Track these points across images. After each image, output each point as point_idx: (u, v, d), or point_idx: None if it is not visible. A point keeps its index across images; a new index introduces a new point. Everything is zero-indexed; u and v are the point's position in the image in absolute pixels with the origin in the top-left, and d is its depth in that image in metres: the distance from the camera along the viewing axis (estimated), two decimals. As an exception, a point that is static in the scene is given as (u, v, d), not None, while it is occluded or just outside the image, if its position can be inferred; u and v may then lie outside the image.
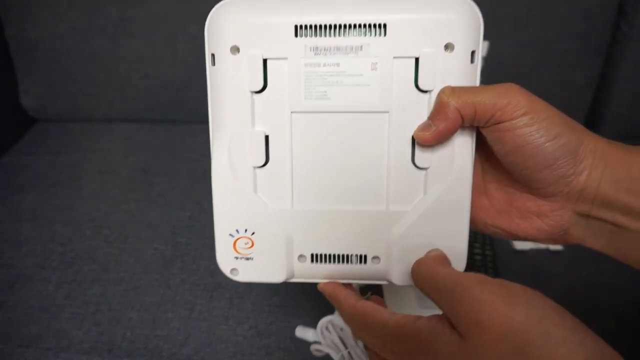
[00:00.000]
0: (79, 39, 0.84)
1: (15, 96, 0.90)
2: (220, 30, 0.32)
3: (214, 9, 0.32)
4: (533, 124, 0.28)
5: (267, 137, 0.33)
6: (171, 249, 0.66)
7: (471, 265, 0.59)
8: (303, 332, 0.54)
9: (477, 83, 0.31)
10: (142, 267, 0.64)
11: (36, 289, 0.62)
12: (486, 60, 0.74)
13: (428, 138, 0.30)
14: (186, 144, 0.84)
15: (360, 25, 0.30)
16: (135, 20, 0.81)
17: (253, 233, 0.34)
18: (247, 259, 0.34)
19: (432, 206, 0.32)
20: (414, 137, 0.31)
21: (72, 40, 0.84)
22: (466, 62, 0.30)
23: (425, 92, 0.31)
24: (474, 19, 0.30)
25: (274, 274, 0.34)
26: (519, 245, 0.63)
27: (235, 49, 0.31)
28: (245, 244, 0.34)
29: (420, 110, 0.31)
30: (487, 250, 0.61)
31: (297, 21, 0.30)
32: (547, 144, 0.28)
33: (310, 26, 0.30)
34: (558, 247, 0.62)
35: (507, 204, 0.33)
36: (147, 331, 0.57)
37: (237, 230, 0.34)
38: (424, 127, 0.31)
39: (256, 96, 0.32)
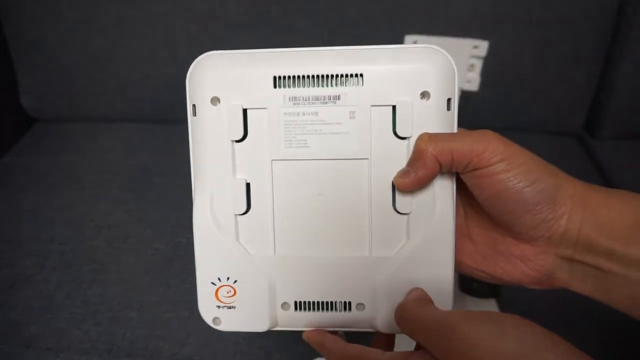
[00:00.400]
0: (79, 39, 0.84)
1: (15, 96, 0.90)
2: (201, 81, 0.32)
3: (195, 61, 0.32)
4: (510, 170, 0.29)
5: (248, 185, 0.33)
6: (171, 249, 0.66)
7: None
8: None
9: (455, 129, 0.32)
10: (142, 267, 0.64)
11: (36, 289, 0.62)
12: (486, 60, 0.74)
13: (407, 184, 0.31)
14: (186, 144, 0.84)
15: (337, 76, 0.31)
16: (135, 20, 0.81)
17: (235, 281, 0.33)
18: (230, 307, 0.34)
19: (415, 251, 0.32)
20: (394, 183, 0.32)
21: (72, 40, 0.84)
22: (442, 109, 0.31)
23: (404, 138, 0.31)
24: (448, 68, 0.31)
25: (257, 323, 0.34)
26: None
27: (215, 100, 0.32)
28: (228, 292, 0.33)
29: (399, 156, 0.31)
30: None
31: (276, 72, 0.31)
32: (525, 190, 0.29)
33: (289, 77, 0.31)
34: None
35: (491, 249, 0.33)
36: (147, 331, 0.57)
37: (219, 279, 0.33)
38: (403, 174, 0.31)
39: (237, 145, 0.32)
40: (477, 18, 0.75)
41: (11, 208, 0.75)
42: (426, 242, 0.32)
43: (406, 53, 0.31)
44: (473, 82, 0.74)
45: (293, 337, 0.55)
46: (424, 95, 0.31)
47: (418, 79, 0.31)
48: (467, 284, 0.57)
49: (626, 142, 0.84)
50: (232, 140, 0.32)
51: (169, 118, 0.90)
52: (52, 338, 0.56)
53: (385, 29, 0.78)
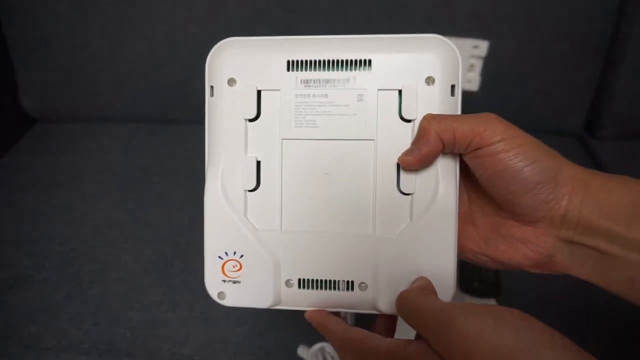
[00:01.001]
0: (79, 39, 0.84)
1: (15, 96, 0.90)
2: (219, 64, 0.34)
3: (215, 47, 0.34)
4: (511, 149, 0.29)
5: (258, 163, 0.34)
6: (171, 249, 0.66)
7: (471, 266, 0.59)
8: (303, 352, 0.54)
9: (458, 114, 0.33)
10: (142, 267, 0.64)
11: (36, 289, 0.62)
12: (486, 60, 0.74)
13: (411, 162, 0.32)
14: (186, 144, 0.84)
15: (347, 61, 0.33)
16: (135, 20, 0.81)
17: (242, 256, 0.34)
18: (235, 282, 0.34)
19: (418, 232, 0.33)
20: (398, 161, 0.32)
21: (72, 40, 0.84)
22: (446, 94, 0.32)
23: (409, 121, 0.33)
24: (452, 56, 0.32)
25: (260, 299, 0.34)
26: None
27: (232, 81, 0.34)
28: (234, 267, 0.34)
29: (404, 138, 0.33)
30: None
31: (289, 57, 0.33)
32: (525, 169, 0.29)
33: (302, 61, 0.33)
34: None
35: (493, 232, 0.34)
36: (147, 331, 0.57)
37: (226, 253, 0.34)
38: (407, 152, 0.32)
39: (250, 124, 0.34)
40: (477, 18, 0.75)
41: (11, 208, 0.75)
42: (429, 223, 0.32)
43: (413, 41, 0.33)
44: (473, 82, 0.74)
45: (293, 337, 0.55)
46: (429, 80, 0.32)
47: (423, 65, 0.32)
48: (467, 283, 0.57)
49: (626, 142, 0.84)
50: (246, 119, 0.34)
51: (169, 118, 0.90)
52: (52, 338, 0.56)
53: (385, 29, 0.78)
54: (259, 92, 0.34)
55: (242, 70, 0.34)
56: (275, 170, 0.34)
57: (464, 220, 0.35)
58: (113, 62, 0.85)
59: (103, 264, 0.65)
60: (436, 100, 0.32)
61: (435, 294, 0.31)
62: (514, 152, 0.29)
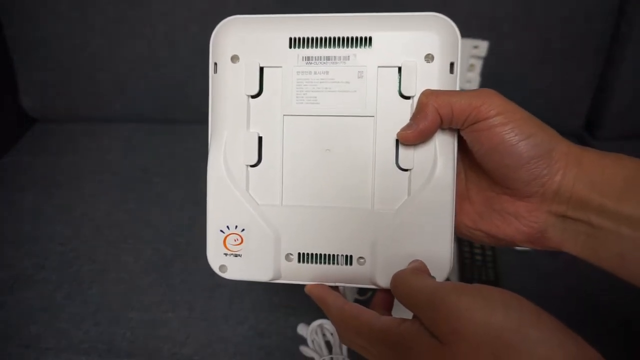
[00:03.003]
0: (79, 39, 0.84)
1: (15, 96, 0.90)
2: (223, 42, 0.34)
3: (219, 24, 0.35)
4: (507, 123, 0.30)
5: (260, 139, 0.35)
6: (171, 249, 0.66)
7: (472, 266, 0.59)
8: (303, 330, 0.54)
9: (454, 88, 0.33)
10: (142, 267, 0.64)
11: (36, 289, 0.62)
12: (486, 60, 0.74)
13: (409, 136, 0.32)
14: (186, 144, 0.84)
15: (348, 38, 0.33)
16: (135, 20, 0.81)
17: (243, 230, 0.35)
18: (236, 255, 0.35)
19: (416, 207, 0.33)
20: (397, 136, 0.33)
21: (72, 40, 0.84)
22: (445, 72, 0.33)
23: (408, 98, 0.33)
24: (452, 34, 0.33)
25: (261, 273, 0.35)
26: (519, 245, 0.63)
27: (235, 58, 0.34)
28: (235, 240, 0.35)
29: (403, 115, 0.33)
30: (487, 250, 0.61)
31: (292, 34, 0.33)
32: (520, 143, 0.30)
33: (303, 38, 0.33)
34: (558, 247, 0.62)
35: (488, 207, 0.34)
36: (147, 331, 0.57)
37: (227, 227, 0.35)
38: (406, 127, 0.33)
39: (252, 101, 0.34)
40: (477, 18, 0.75)
41: (11, 208, 0.75)
42: (427, 198, 0.33)
43: (412, 19, 0.33)
44: (473, 82, 0.75)
45: (293, 337, 0.55)
46: (428, 57, 0.32)
47: (423, 43, 0.32)
48: (467, 283, 0.57)
49: (626, 142, 0.84)
50: (248, 95, 0.34)
51: (169, 118, 0.90)
52: (52, 338, 0.56)
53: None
54: (261, 69, 0.34)
55: (245, 48, 0.34)
56: (277, 145, 0.34)
57: (461, 197, 0.36)
58: (113, 62, 0.85)
59: (103, 264, 0.65)
60: (435, 78, 0.32)
61: (429, 274, 0.31)
62: (510, 127, 0.29)
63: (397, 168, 0.34)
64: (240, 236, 0.35)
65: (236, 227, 0.35)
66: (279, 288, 0.60)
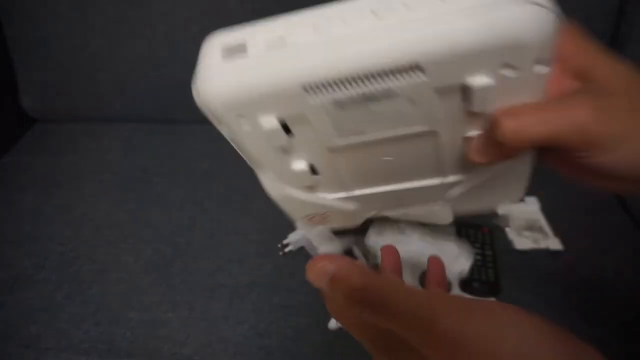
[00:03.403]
0: (79, 39, 0.84)
1: (15, 96, 0.90)
2: (215, 107, 0.26)
3: (196, 82, 0.26)
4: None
5: (311, 165, 0.32)
6: (171, 249, 0.66)
7: (472, 268, 0.58)
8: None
9: (542, 94, 0.25)
10: (142, 267, 0.64)
11: (36, 289, 0.62)
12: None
13: (484, 163, 0.28)
14: (186, 144, 0.84)
15: (386, 72, 0.24)
16: (135, 20, 0.81)
17: (324, 213, 0.37)
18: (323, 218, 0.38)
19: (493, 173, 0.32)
20: (469, 157, 0.28)
21: (72, 40, 0.84)
22: (526, 76, 0.24)
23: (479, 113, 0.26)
24: (547, 23, 0.25)
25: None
26: (519, 245, 0.63)
27: (241, 116, 0.27)
28: (322, 217, 0.38)
29: (472, 127, 0.28)
30: (487, 250, 0.61)
31: (304, 80, 0.24)
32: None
33: (321, 84, 0.24)
34: (558, 247, 0.62)
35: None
36: (147, 331, 0.57)
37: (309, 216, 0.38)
38: (477, 150, 0.28)
39: (286, 139, 0.29)
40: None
41: (11, 208, 0.75)
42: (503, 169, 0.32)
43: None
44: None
45: (293, 337, 0.55)
46: (504, 65, 0.24)
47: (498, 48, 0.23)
48: (467, 283, 0.57)
49: (626, 142, 0.84)
50: (277, 146, 0.29)
51: (169, 118, 0.90)
52: (52, 338, 0.56)
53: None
54: (280, 119, 0.27)
55: (247, 109, 0.26)
56: (331, 167, 0.32)
57: None
58: (113, 62, 0.85)
59: (103, 264, 0.65)
60: (512, 86, 0.25)
61: (401, 276, 0.30)
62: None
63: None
64: (323, 216, 0.38)
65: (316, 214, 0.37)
66: (279, 288, 0.60)
